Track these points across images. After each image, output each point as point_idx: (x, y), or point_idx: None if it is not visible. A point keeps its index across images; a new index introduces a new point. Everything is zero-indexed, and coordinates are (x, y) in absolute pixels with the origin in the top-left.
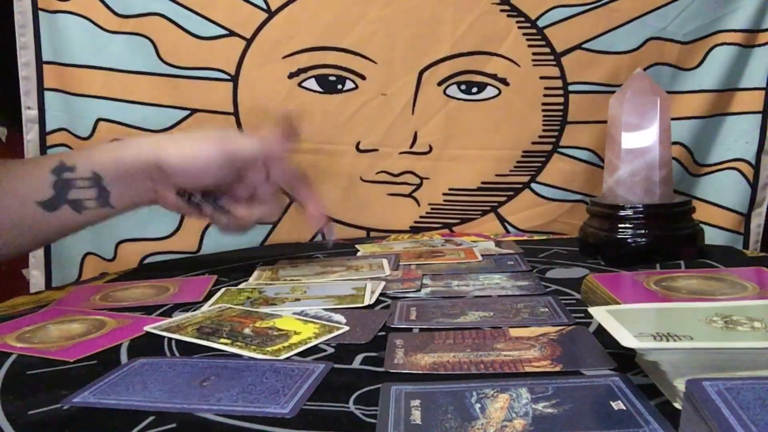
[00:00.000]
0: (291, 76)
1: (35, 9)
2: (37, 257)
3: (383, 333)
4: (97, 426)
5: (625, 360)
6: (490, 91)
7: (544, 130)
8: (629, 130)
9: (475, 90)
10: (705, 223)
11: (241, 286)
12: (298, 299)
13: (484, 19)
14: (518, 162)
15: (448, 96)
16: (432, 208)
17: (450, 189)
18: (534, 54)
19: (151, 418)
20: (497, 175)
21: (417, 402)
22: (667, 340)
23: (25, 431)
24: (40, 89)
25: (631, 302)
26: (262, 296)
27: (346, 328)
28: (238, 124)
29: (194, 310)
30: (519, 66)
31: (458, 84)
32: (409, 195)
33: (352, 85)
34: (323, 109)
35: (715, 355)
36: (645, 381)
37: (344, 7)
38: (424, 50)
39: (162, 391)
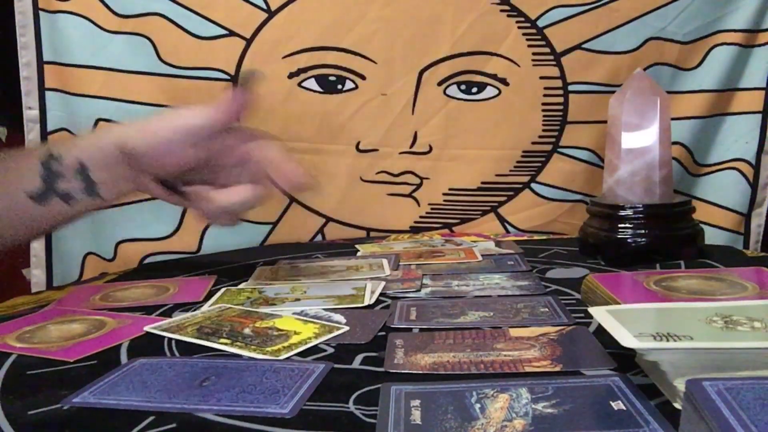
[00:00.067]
0: (291, 76)
1: (36, 9)
2: (38, 257)
3: (383, 333)
4: (97, 426)
5: (625, 360)
6: (490, 91)
7: (544, 130)
8: (629, 130)
9: (475, 90)
10: (705, 223)
11: (241, 286)
12: (298, 299)
13: (484, 19)
14: (518, 162)
15: (448, 96)
16: (432, 208)
17: (450, 189)
18: (534, 54)
19: (151, 418)
20: (497, 175)
21: (417, 402)
22: (667, 340)
23: (25, 431)
24: (41, 89)
25: (631, 302)
26: (262, 296)
27: (346, 328)
28: None
29: (194, 310)
30: (519, 66)
31: (458, 84)
32: (409, 195)
33: (352, 85)
34: (323, 109)
35: (715, 355)
36: (645, 381)
37: (344, 7)
38: (424, 50)
39: (162, 391)
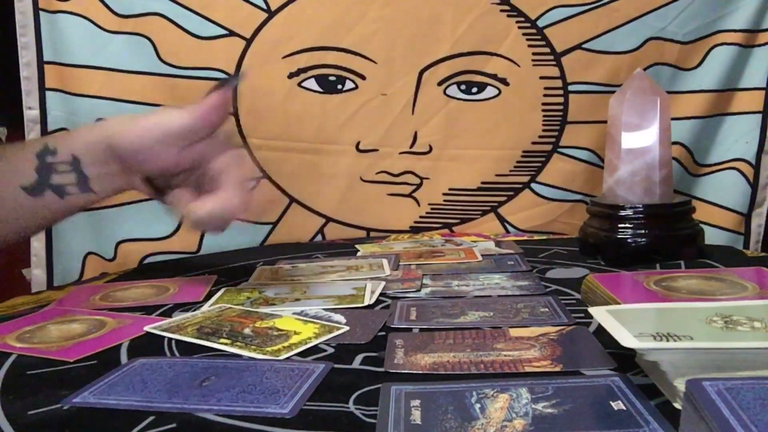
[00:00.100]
0: (291, 76)
1: (36, 9)
2: (38, 257)
3: (383, 333)
4: (97, 426)
5: (625, 360)
6: (490, 91)
7: (544, 130)
8: (629, 130)
9: (475, 90)
10: (705, 223)
11: (241, 286)
12: (298, 299)
13: (484, 19)
14: (518, 162)
15: (448, 96)
16: (432, 208)
17: (450, 189)
18: (534, 54)
19: (151, 418)
20: (497, 175)
21: (417, 402)
22: (667, 340)
23: (25, 431)
24: (42, 89)
25: (631, 302)
26: (262, 296)
27: (346, 328)
28: (238, 125)
29: (194, 310)
30: (519, 66)
31: (458, 84)
32: (409, 195)
33: (352, 85)
34: (323, 109)
35: (715, 355)
36: (645, 381)
37: (344, 7)
38: (424, 50)
39: (162, 391)
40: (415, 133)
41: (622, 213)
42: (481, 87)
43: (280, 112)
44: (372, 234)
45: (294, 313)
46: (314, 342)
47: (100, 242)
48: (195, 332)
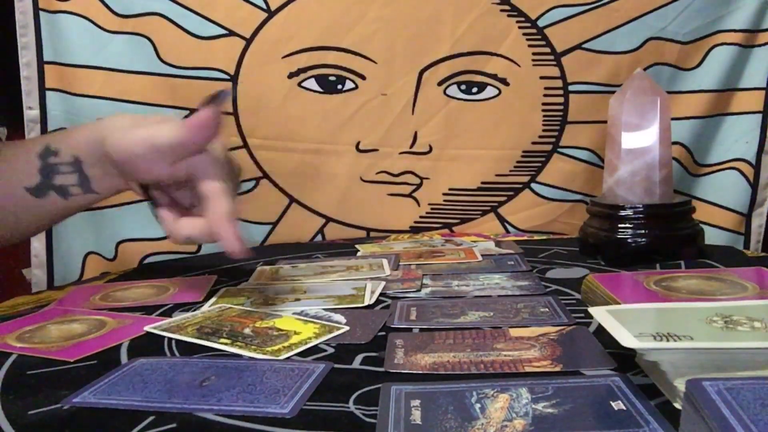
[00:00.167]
0: (291, 76)
1: (36, 9)
2: (38, 257)
3: (383, 333)
4: (97, 426)
5: (625, 360)
6: (490, 91)
7: (544, 130)
8: (629, 130)
9: (475, 90)
10: (705, 223)
11: (241, 286)
12: (298, 299)
13: (484, 19)
14: (518, 162)
15: (448, 96)
16: (432, 208)
17: (450, 189)
18: (534, 54)
19: (151, 418)
20: (497, 175)
21: (417, 402)
22: (667, 340)
23: (25, 431)
24: (42, 89)
25: (631, 302)
26: (262, 296)
27: (346, 328)
28: (238, 125)
29: (194, 310)
30: (519, 66)
31: (458, 84)
32: (409, 195)
33: (352, 85)
34: (323, 109)
35: (715, 355)
36: (645, 381)
37: (344, 7)
38: (424, 50)
39: (162, 391)
40: (415, 133)
41: (622, 213)
42: (481, 87)
43: (280, 112)
44: (372, 234)
45: (294, 313)
46: (314, 342)
47: (100, 242)
48: (195, 332)
